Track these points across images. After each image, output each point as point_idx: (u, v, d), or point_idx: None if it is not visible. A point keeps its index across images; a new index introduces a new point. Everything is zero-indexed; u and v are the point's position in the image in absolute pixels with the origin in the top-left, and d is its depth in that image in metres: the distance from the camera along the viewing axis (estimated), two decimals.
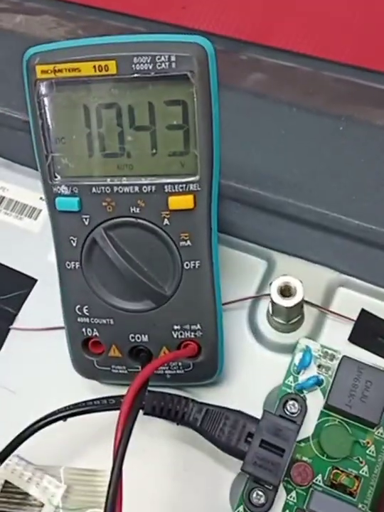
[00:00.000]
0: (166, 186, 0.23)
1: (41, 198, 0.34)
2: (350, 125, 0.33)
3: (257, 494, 0.24)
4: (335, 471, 0.24)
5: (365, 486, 0.24)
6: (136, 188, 0.23)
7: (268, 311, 0.28)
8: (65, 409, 0.25)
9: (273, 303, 0.26)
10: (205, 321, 0.25)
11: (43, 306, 0.31)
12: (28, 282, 0.32)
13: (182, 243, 0.24)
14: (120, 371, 0.27)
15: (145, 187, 0.23)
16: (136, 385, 0.23)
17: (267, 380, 0.27)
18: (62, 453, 0.28)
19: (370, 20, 0.40)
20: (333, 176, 0.31)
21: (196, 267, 0.24)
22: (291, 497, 0.24)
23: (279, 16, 0.43)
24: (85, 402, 0.25)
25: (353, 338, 0.28)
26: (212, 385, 0.28)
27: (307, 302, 0.28)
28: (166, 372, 0.26)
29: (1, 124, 0.37)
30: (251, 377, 0.28)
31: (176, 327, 0.25)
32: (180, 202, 0.23)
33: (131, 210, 0.23)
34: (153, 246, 0.24)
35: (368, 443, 0.25)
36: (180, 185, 0.23)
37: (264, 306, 0.29)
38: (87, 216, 0.24)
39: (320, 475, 0.25)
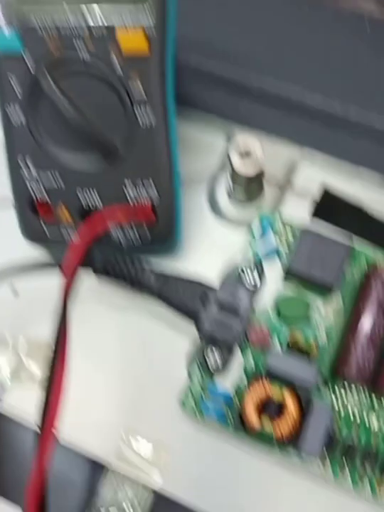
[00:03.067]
0: (113, 17, 0.21)
1: None
2: (313, 5, 0.32)
3: (213, 356, 0.24)
4: (292, 335, 0.24)
5: (322, 350, 0.24)
6: (82, 22, 0.21)
7: (228, 186, 0.27)
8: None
9: (232, 168, 0.25)
10: (160, 183, 0.24)
11: None
12: None
13: (135, 94, 0.22)
14: (70, 234, 0.25)
15: (91, 19, 0.21)
16: (89, 229, 0.21)
17: (227, 254, 0.26)
18: (14, 324, 0.27)
19: None
20: (297, 51, 0.30)
21: (150, 121, 0.23)
22: (248, 360, 0.24)
23: None
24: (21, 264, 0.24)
25: (313, 213, 0.27)
26: (171, 259, 0.27)
27: (264, 176, 0.28)
28: (121, 240, 0.25)
29: None
30: (210, 252, 0.27)
31: (128, 187, 0.24)
32: (130, 40, 0.21)
33: (79, 49, 0.21)
34: (105, 95, 0.22)
35: (325, 309, 0.24)
36: (130, 18, 0.21)
37: (224, 180, 0.28)
38: (30, 56, 0.22)
39: (277, 338, 0.24)
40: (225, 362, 0.24)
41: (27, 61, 0.22)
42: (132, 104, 0.22)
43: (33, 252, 0.26)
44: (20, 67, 0.22)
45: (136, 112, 0.22)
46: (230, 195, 0.28)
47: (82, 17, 0.21)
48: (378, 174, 0.28)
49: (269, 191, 0.28)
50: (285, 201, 0.28)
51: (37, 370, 0.26)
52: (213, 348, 0.24)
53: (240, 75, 0.29)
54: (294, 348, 0.24)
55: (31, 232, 0.25)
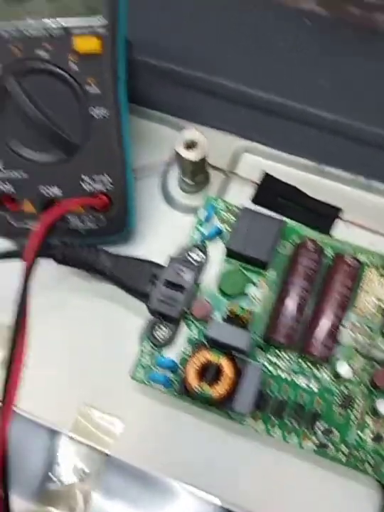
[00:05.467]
0: (71, 28, 0.24)
1: None
2: (258, 3, 0.34)
3: (160, 329, 0.27)
4: (231, 306, 0.27)
5: (257, 319, 0.27)
6: (43, 31, 0.24)
7: (178, 176, 0.30)
8: None
9: (179, 158, 0.28)
10: (114, 173, 0.26)
11: None
12: None
13: (89, 89, 0.25)
14: (34, 225, 0.27)
15: (51, 29, 0.24)
16: (48, 216, 0.24)
17: (177, 239, 0.29)
18: None
19: None
20: (242, 51, 0.33)
21: (104, 115, 0.25)
22: (192, 332, 0.27)
23: None
24: None
25: (256, 199, 0.30)
26: (125, 245, 0.30)
27: (214, 167, 0.30)
28: (79, 227, 0.28)
29: None
30: (161, 237, 0.30)
31: (85, 178, 0.26)
32: (85, 44, 0.24)
33: (40, 54, 0.24)
34: (62, 93, 0.25)
35: (261, 283, 0.27)
36: (86, 27, 0.24)
37: (174, 171, 0.31)
38: None
39: (217, 311, 0.27)
40: (172, 335, 0.27)
41: None
42: (87, 100, 0.25)
43: None
44: None
45: (90, 107, 0.25)
46: (179, 184, 0.30)
47: (42, 25, 0.24)
48: (313, 163, 0.31)
49: (215, 180, 0.31)
50: (230, 188, 0.31)
51: None
52: (161, 324, 0.27)
53: (188, 72, 0.32)
54: (232, 318, 0.27)
55: None
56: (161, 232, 0.30)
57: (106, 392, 0.28)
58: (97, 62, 0.24)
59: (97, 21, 0.24)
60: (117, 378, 0.27)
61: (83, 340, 0.28)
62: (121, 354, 0.28)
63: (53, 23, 0.24)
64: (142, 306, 0.27)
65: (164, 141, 0.32)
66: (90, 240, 0.28)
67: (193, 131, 0.27)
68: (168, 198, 0.31)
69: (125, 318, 0.29)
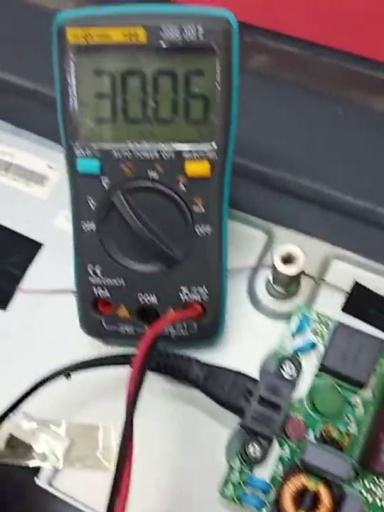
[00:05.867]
0: (184, 152, 0.24)
1: (50, 166, 0.35)
2: (348, 108, 0.35)
3: (253, 447, 0.26)
4: (326, 427, 0.26)
5: (353, 442, 0.26)
6: (156, 154, 0.24)
7: (267, 280, 0.30)
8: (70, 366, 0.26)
9: (275, 270, 0.28)
10: (211, 286, 0.27)
11: (49, 270, 0.32)
12: (34, 246, 0.33)
13: (196, 209, 0.25)
14: (128, 332, 0.28)
15: (164, 153, 0.24)
16: (150, 335, 0.24)
17: (264, 345, 0.29)
18: (66, 409, 0.29)
19: (369, 10, 0.41)
20: (331, 155, 0.33)
21: (207, 233, 0.26)
22: (284, 451, 0.26)
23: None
24: (91, 359, 0.27)
25: (346, 309, 0.30)
26: (213, 349, 0.29)
27: (303, 273, 0.30)
28: (171, 332, 0.28)
29: (4, 90, 0.37)
30: (249, 342, 0.30)
31: (183, 289, 0.27)
32: (196, 168, 0.24)
33: (150, 175, 0.24)
34: (168, 211, 0.25)
35: (357, 402, 0.27)
36: (198, 152, 0.24)
37: (262, 274, 0.31)
38: (107, 179, 0.25)
39: (311, 430, 0.26)
40: (264, 453, 0.26)
41: (103, 181, 0.25)
42: (193, 219, 0.25)
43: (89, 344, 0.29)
44: (96, 185, 0.25)
45: (195, 225, 0.25)
46: (268, 289, 0.30)
47: (156, 148, 0.24)
48: None
49: (304, 286, 0.30)
50: (319, 295, 0.30)
51: (87, 452, 0.28)
52: (254, 442, 0.26)
53: (278, 175, 0.32)
54: (328, 439, 0.26)
55: (90, 327, 0.28)
56: (247, 336, 0.30)
57: (192, 505, 0.27)
58: (205, 184, 0.25)
59: (209, 147, 0.24)
60: (205, 491, 0.27)
61: (169, 449, 0.28)
62: (209, 465, 0.27)
63: (166, 146, 0.24)
64: (230, 415, 0.27)
65: (251, 242, 0.32)
66: (179, 345, 0.28)
67: (290, 245, 0.27)
68: (255, 302, 0.30)
69: (212, 426, 0.28)
